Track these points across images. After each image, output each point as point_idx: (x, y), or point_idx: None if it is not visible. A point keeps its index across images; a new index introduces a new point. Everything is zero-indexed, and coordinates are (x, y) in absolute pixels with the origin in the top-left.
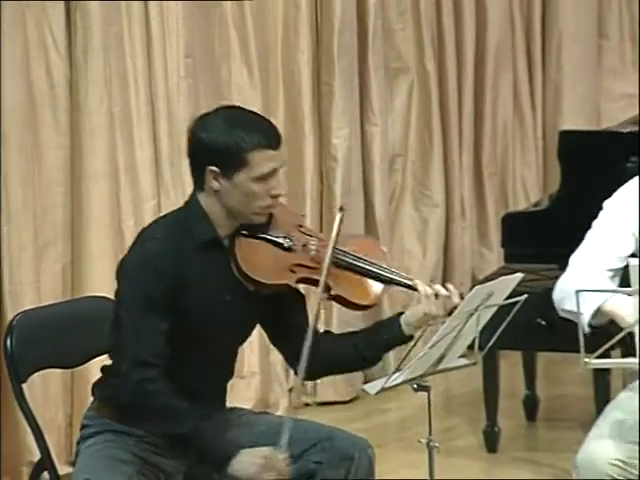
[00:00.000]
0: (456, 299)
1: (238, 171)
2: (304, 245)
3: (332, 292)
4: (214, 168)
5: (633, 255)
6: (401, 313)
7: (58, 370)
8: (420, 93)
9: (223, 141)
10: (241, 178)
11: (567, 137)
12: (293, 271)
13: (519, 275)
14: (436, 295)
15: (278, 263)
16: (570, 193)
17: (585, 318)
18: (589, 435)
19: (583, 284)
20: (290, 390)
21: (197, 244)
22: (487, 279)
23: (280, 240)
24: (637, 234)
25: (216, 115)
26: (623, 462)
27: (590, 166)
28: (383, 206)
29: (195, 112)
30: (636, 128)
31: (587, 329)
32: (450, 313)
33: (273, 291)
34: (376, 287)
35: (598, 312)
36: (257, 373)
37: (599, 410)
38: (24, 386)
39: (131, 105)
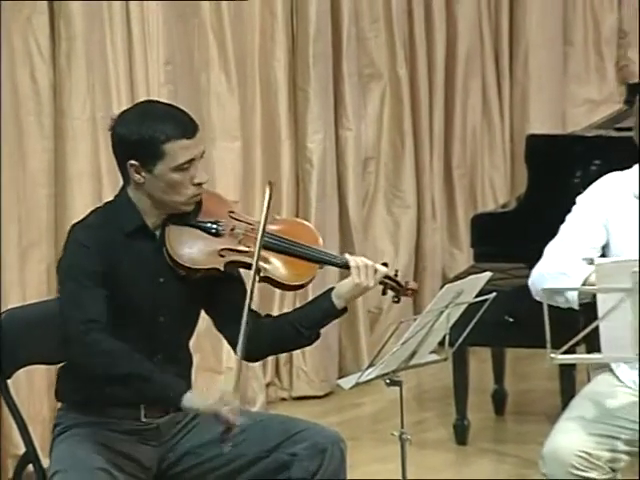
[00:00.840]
0: (382, 268)
1: (156, 163)
2: (232, 229)
3: (262, 274)
4: (134, 162)
5: (605, 246)
6: (333, 288)
7: (42, 366)
8: (392, 98)
9: (138, 134)
10: (160, 169)
11: (534, 141)
12: (222, 255)
13: (488, 274)
14: (366, 266)
15: (206, 248)
16: (537, 195)
17: (574, 294)
18: (555, 428)
19: (566, 268)
20: (267, 385)
21: (125, 233)
22: (457, 278)
23: (208, 225)
24: (608, 226)
25: (132, 110)
26: (588, 454)
27: (556, 169)
28: (357, 207)
29: None
30: (600, 132)
31: (575, 305)
32: (384, 292)
33: (204, 275)
34: (306, 267)
35: (586, 283)
36: (233, 369)
37: (565, 404)
38: (9, 382)
39: (113, 110)
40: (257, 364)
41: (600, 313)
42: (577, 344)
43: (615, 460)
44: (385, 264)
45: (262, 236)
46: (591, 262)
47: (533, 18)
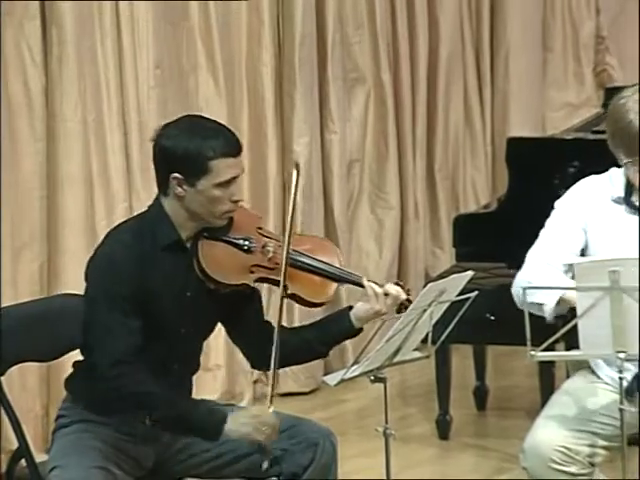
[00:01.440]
0: (403, 296)
1: (201, 178)
2: (263, 247)
3: (289, 291)
4: (178, 175)
5: (584, 248)
6: (351, 307)
7: (35, 363)
8: (376, 102)
9: (186, 149)
10: (204, 185)
11: (514, 143)
12: (252, 272)
13: (469, 273)
14: (385, 294)
15: (238, 264)
16: (517, 196)
17: (550, 307)
18: (535, 423)
19: (542, 278)
20: (255, 382)
21: (160, 246)
22: (440, 277)
23: (240, 242)
24: (587, 230)
25: (178, 124)
26: (566, 448)
27: (535, 171)
28: (342, 209)
29: (164, 120)
30: (578, 135)
31: (551, 317)
32: (399, 311)
33: (232, 290)
34: (329, 286)
35: (560, 301)
36: (222, 366)
37: (544, 400)
38: (2, 379)
39: (104, 113)
40: (245, 362)
41: (579, 311)
42: (556, 341)
43: (594, 455)
44: (399, 284)
45: (287, 255)
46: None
47: (513, 25)
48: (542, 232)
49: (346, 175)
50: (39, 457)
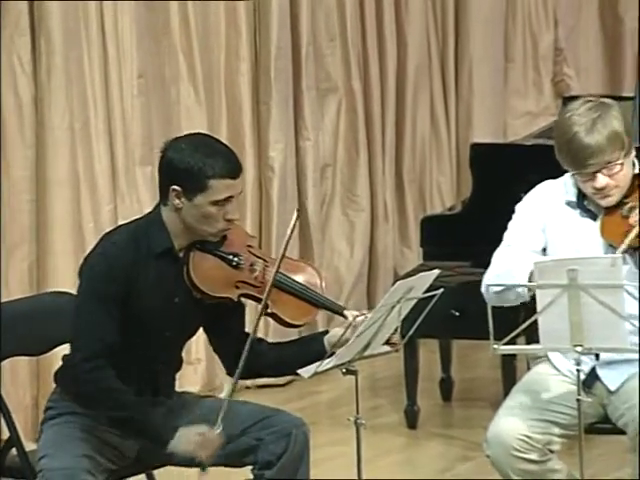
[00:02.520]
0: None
1: (198, 194)
2: (251, 265)
3: (269, 310)
4: (177, 187)
5: (544, 249)
6: (326, 332)
7: (25, 357)
8: (348, 110)
9: (188, 164)
10: (200, 200)
11: (477, 149)
12: (237, 287)
13: (436, 271)
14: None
15: (225, 278)
16: (480, 198)
17: (524, 289)
18: (498, 413)
19: (515, 265)
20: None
21: (153, 252)
22: (407, 275)
23: (229, 257)
24: (545, 231)
25: (187, 139)
26: (527, 437)
27: (498, 175)
28: (315, 211)
29: (147, 127)
30: (537, 141)
31: (527, 297)
32: None
33: (217, 302)
34: (309, 310)
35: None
36: (203, 360)
37: (506, 391)
38: None
39: (90, 121)
40: None
41: (539, 307)
42: (518, 336)
43: (552, 443)
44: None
45: (274, 277)
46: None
47: (476, 37)
48: (505, 234)
49: (319, 179)
50: (29, 446)
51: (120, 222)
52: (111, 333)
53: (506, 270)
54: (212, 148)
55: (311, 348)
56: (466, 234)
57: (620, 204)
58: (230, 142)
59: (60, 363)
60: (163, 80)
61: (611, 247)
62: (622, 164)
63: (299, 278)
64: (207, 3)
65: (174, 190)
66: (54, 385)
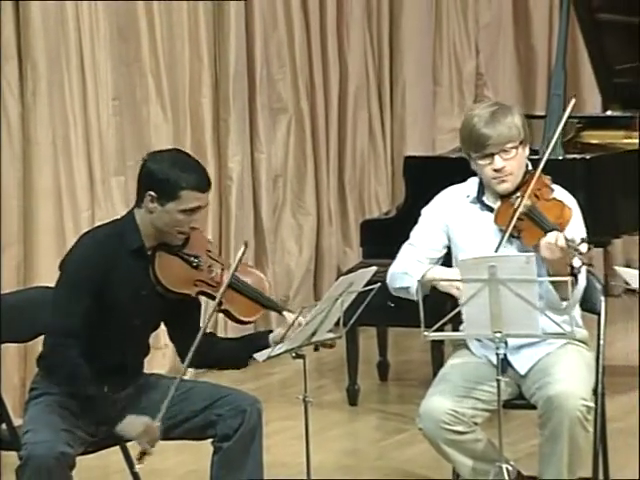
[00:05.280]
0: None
1: (170, 201)
2: (209, 266)
3: (223, 307)
4: (153, 193)
5: (450, 245)
6: (271, 331)
7: (14, 344)
8: (296, 127)
9: (165, 175)
10: (171, 207)
11: (410, 161)
12: (195, 285)
13: (374, 268)
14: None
15: (185, 276)
16: (412, 204)
17: (413, 289)
18: (428, 391)
19: (411, 266)
20: None
21: (126, 250)
22: (349, 271)
23: (191, 259)
24: (448, 231)
25: (167, 153)
26: (454, 411)
27: (427, 183)
28: (268, 215)
29: (121, 143)
30: (461, 154)
31: (416, 297)
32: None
33: (177, 297)
34: (257, 310)
35: (422, 282)
36: (169, 345)
37: (435, 372)
38: None
39: (70, 137)
40: None
41: (463, 299)
42: (445, 324)
43: (475, 416)
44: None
45: (230, 279)
46: (434, 262)
47: (409, 63)
48: (411, 233)
49: (272, 188)
50: (17, 421)
51: None
52: (80, 317)
53: (402, 272)
54: (188, 164)
55: (258, 343)
56: (400, 235)
57: (511, 195)
58: (193, 154)
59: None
60: (134, 101)
61: (501, 232)
62: (517, 149)
63: (250, 281)
64: (173, 33)
65: (150, 195)
66: (37, 370)
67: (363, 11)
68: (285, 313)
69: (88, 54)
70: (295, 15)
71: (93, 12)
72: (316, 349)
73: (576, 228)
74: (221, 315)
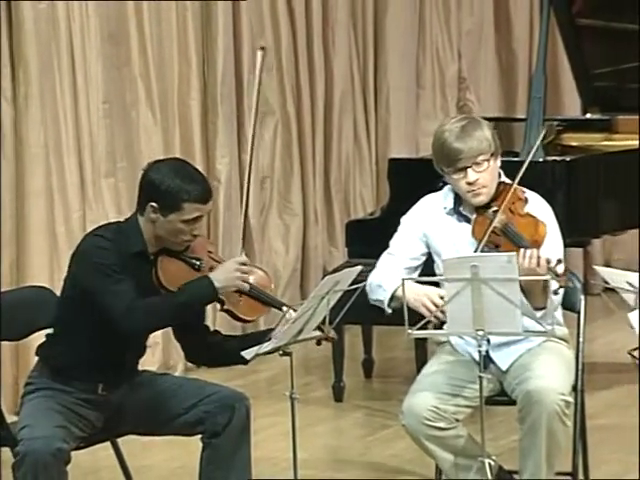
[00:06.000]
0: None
1: (172, 212)
2: (210, 268)
3: (225, 307)
4: (154, 204)
5: (430, 252)
6: (272, 329)
7: (6, 342)
8: (283, 130)
9: (168, 187)
10: (173, 218)
11: (394, 163)
12: None
13: (359, 267)
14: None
15: (187, 279)
16: (396, 205)
17: (385, 303)
18: (411, 388)
19: (386, 279)
20: None
21: (129, 252)
22: (335, 271)
23: (192, 261)
24: (427, 240)
25: (168, 164)
26: (437, 408)
27: (411, 185)
28: (256, 216)
29: (111, 145)
30: None
31: (389, 310)
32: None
33: None
34: (260, 309)
35: (393, 298)
36: (159, 343)
37: (419, 369)
38: None
39: (62, 139)
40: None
41: (447, 298)
42: (428, 322)
43: (457, 413)
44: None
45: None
46: (412, 270)
47: (393, 67)
48: (391, 242)
49: (259, 189)
50: (9, 418)
51: (88, 227)
52: (130, 287)
53: (377, 284)
54: (189, 175)
55: (262, 340)
56: (384, 235)
57: (487, 208)
58: (182, 156)
59: (38, 345)
60: (124, 105)
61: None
62: (488, 162)
63: (252, 281)
64: (163, 38)
65: (151, 206)
66: (34, 362)
67: (348, 17)
68: (286, 311)
69: (79, 58)
70: (282, 20)
71: (84, 17)
72: (318, 343)
73: (552, 245)
74: (210, 311)
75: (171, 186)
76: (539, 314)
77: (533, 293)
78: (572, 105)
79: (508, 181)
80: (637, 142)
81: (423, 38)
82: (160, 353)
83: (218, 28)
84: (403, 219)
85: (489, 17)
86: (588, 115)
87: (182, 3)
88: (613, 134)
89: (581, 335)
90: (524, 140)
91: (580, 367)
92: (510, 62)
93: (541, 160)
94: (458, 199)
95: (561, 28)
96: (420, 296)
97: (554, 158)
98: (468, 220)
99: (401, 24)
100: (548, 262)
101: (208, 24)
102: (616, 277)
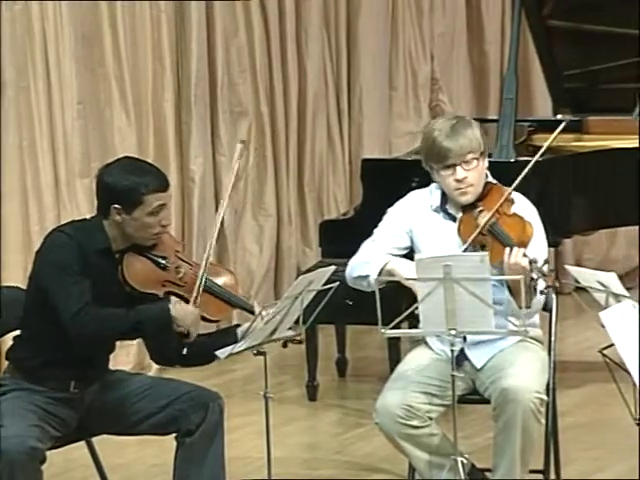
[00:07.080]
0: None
1: (136, 208)
2: (177, 267)
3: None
4: (117, 206)
5: (412, 248)
6: (238, 325)
7: None
8: (257, 131)
9: (124, 186)
10: (138, 214)
11: (367, 164)
12: (163, 285)
13: (332, 267)
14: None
15: (152, 277)
16: (369, 205)
17: (373, 277)
18: (385, 387)
19: (373, 257)
20: None
21: (93, 249)
22: (308, 271)
23: (158, 260)
24: (412, 234)
25: (118, 165)
26: (410, 406)
27: (384, 185)
28: (230, 216)
29: (85, 145)
30: (417, 157)
31: (373, 285)
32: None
33: (144, 297)
34: (226, 309)
35: (382, 271)
36: (134, 343)
37: (392, 368)
38: None
39: (36, 140)
40: None
41: (419, 297)
42: (402, 321)
43: (430, 411)
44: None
45: (200, 282)
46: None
47: (366, 69)
48: (375, 230)
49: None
50: None
51: None
52: (86, 291)
53: (364, 261)
54: (141, 169)
55: (227, 339)
56: (357, 235)
57: (473, 207)
58: (156, 157)
59: (10, 343)
60: (99, 105)
61: (465, 243)
62: (477, 160)
63: (220, 281)
64: (137, 39)
65: (115, 208)
66: (5, 366)
67: (321, 19)
68: (255, 309)
69: (53, 59)
70: (255, 22)
71: (58, 18)
72: (284, 345)
73: (538, 245)
74: None
75: (127, 184)
76: (523, 312)
77: (519, 293)
78: (543, 106)
79: (494, 181)
80: (607, 143)
81: (396, 40)
82: (135, 353)
83: (192, 29)
84: (390, 210)
85: (461, 19)
86: (559, 116)
87: (156, 4)
88: (584, 135)
89: (553, 334)
90: (496, 140)
91: (552, 366)
92: (482, 64)
93: (512, 160)
94: (444, 197)
95: (532, 30)
96: (410, 272)
97: (525, 158)
98: (454, 219)
99: (374, 26)
100: (535, 262)
101: (182, 25)
102: (587, 276)
